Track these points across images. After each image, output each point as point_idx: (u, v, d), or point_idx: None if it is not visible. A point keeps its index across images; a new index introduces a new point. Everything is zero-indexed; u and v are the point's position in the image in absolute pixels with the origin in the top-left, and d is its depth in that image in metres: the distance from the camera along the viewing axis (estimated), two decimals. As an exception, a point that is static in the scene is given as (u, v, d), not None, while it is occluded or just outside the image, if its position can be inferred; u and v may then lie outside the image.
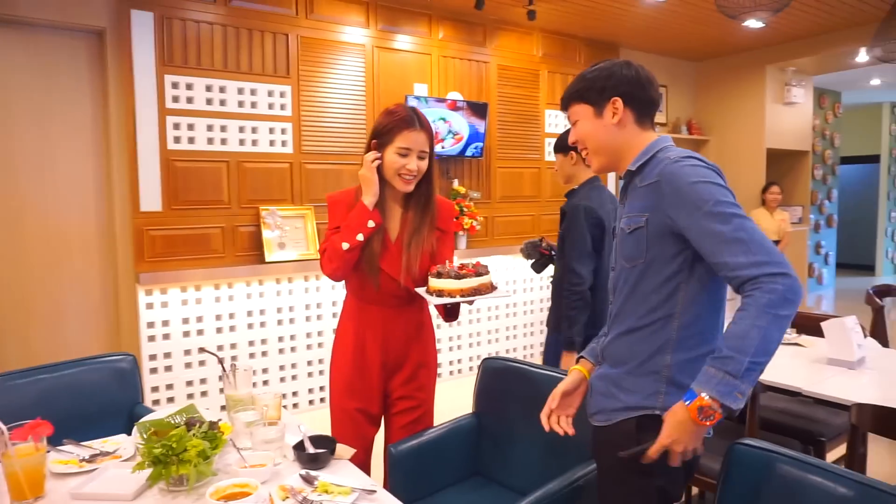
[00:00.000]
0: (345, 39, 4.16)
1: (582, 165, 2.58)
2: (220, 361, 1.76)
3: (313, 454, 1.46)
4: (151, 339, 3.48)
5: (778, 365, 2.29)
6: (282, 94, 3.92)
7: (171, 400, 3.54)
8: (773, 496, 1.36)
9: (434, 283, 1.66)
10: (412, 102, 4.33)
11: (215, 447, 1.40)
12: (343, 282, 1.94)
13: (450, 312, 1.77)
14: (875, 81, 7.56)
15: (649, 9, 4.80)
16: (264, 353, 3.86)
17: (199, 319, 3.62)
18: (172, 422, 1.70)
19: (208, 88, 3.66)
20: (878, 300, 3.59)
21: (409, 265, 1.82)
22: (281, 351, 3.92)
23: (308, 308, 4.00)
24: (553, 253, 2.72)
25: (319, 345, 4.05)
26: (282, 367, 3.92)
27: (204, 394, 3.65)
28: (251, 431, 1.53)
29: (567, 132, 2.63)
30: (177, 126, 3.57)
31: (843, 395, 1.96)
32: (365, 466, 1.87)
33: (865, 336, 2.32)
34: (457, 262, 1.72)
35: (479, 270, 1.65)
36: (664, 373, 1.35)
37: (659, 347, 1.35)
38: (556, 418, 1.56)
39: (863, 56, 5.62)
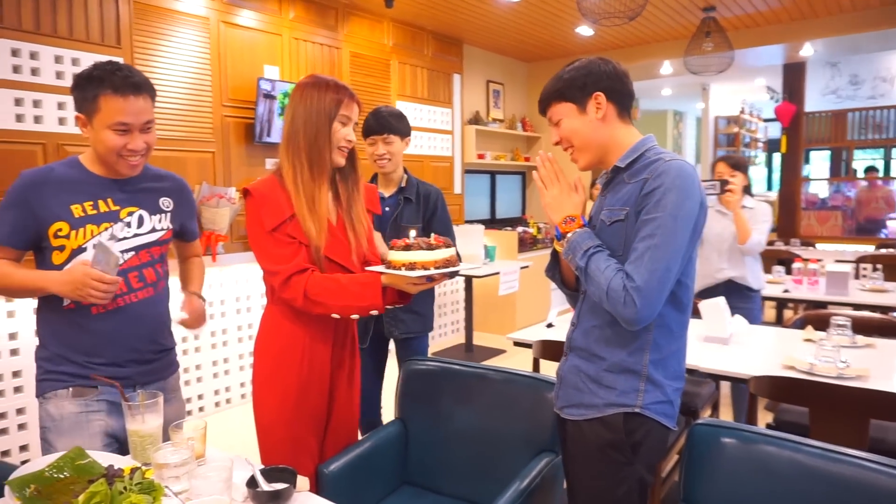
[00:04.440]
0: (186, 10, 3.66)
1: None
2: (122, 393, 1.41)
3: (274, 492, 1.23)
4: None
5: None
6: (112, 67, 3.33)
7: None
8: (732, 468, 1.44)
9: (402, 256, 1.50)
10: (265, 86, 3.97)
11: (155, 500, 1.11)
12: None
13: (405, 293, 1.62)
14: (666, 91, 8.70)
15: (496, 7, 4.95)
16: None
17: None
18: (55, 475, 1.33)
19: (15, 53, 2.97)
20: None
21: (357, 247, 1.68)
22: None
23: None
24: None
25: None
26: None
27: None
28: (188, 472, 1.25)
29: (397, 111, 2.52)
30: (-28, 98, 2.85)
31: (740, 370, 2.19)
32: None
33: (732, 315, 2.63)
34: (412, 235, 1.59)
35: (447, 242, 1.55)
36: (643, 372, 1.37)
37: (637, 346, 1.37)
38: None
39: (667, 68, 6.41)
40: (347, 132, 1.63)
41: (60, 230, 1.54)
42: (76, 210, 1.56)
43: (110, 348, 1.59)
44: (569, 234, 1.40)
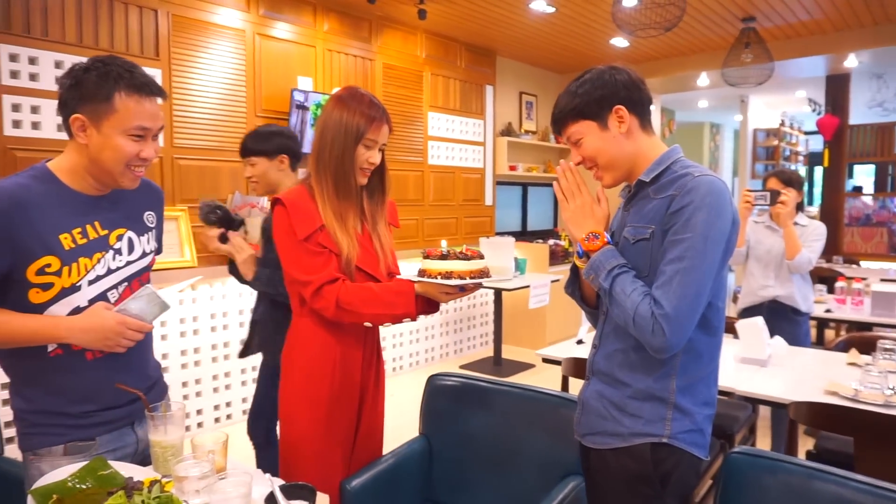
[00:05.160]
0: (223, 22, 3.73)
1: (290, 173, 2.28)
2: (146, 403, 1.41)
3: (293, 510, 1.21)
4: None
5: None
6: (150, 78, 3.40)
7: None
8: (770, 502, 1.37)
9: (438, 265, 1.52)
10: (298, 97, 4.01)
11: (172, 516, 1.10)
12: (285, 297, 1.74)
13: (432, 302, 1.62)
14: (703, 104, 8.54)
15: (530, 19, 4.93)
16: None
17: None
18: (77, 486, 1.33)
19: (58, 65, 3.06)
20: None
21: (384, 258, 1.71)
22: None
23: (183, 322, 3.51)
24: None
25: (225, 357, 3.59)
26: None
27: None
28: (207, 486, 1.23)
29: (267, 129, 2.24)
30: (17, 108, 2.94)
31: (779, 394, 2.10)
32: None
33: (772, 336, 2.53)
34: (444, 245, 1.61)
35: (480, 253, 1.57)
36: (670, 399, 1.30)
37: (663, 372, 1.31)
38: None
39: (704, 79, 6.28)
40: (371, 154, 1.64)
41: (49, 266, 1.28)
42: (65, 241, 1.31)
43: (107, 393, 1.40)
44: (591, 262, 1.33)
